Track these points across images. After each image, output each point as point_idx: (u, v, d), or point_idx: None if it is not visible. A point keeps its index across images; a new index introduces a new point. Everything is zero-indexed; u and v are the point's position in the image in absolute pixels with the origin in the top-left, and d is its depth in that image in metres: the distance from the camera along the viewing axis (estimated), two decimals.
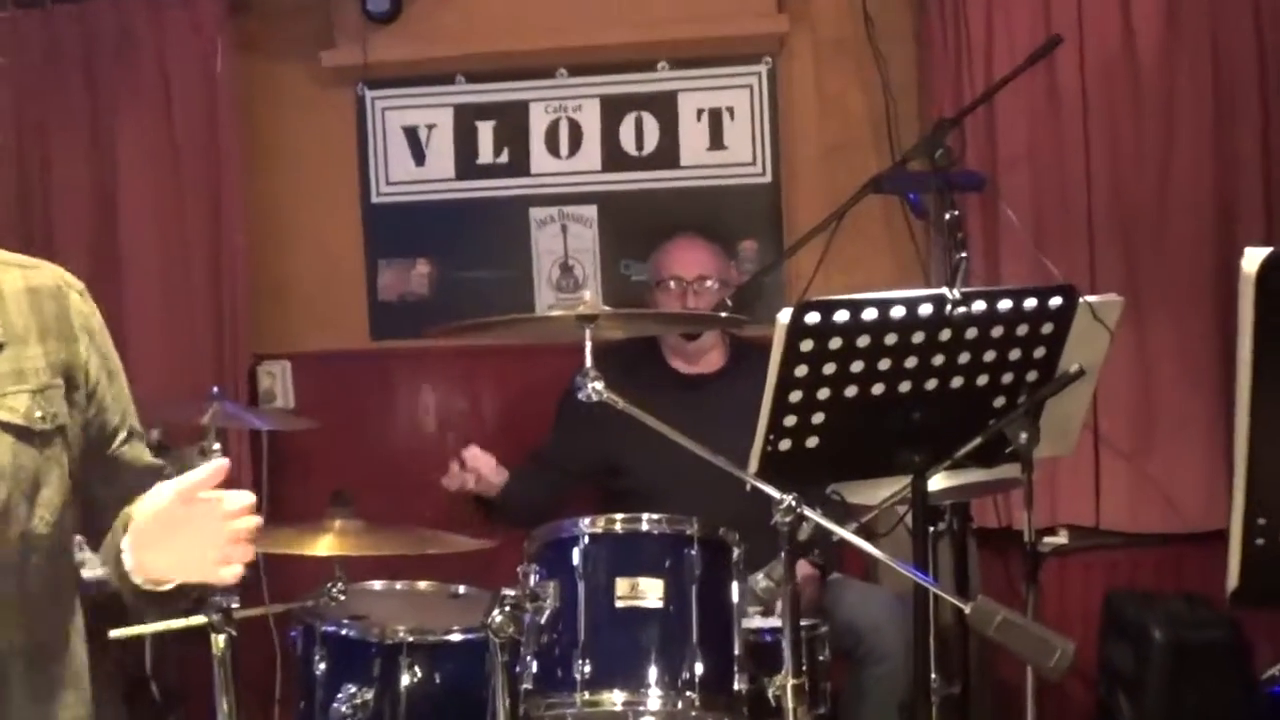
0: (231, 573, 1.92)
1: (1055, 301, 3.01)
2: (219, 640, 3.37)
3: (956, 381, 3.01)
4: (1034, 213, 4.51)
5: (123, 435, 2.19)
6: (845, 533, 2.71)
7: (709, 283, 4.26)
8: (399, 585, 3.86)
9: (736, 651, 3.14)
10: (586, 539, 3.21)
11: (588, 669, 3.08)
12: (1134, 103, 4.50)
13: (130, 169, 4.94)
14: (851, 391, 2.94)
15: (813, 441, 2.99)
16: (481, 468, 4.02)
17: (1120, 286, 4.14)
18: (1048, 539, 4.54)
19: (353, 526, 3.68)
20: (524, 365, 4.80)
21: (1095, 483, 4.53)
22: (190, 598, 2.11)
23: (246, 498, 1.93)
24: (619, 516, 3.28)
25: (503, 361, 4.92)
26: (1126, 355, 4.41)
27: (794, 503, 2.68)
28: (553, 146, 4.98)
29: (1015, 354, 3.02)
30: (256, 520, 1.95)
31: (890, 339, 2.90)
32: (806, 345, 2.86)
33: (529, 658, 3.15)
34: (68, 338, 2.13)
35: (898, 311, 2.87)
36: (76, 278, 2.24)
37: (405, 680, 3.46)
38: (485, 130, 5.02)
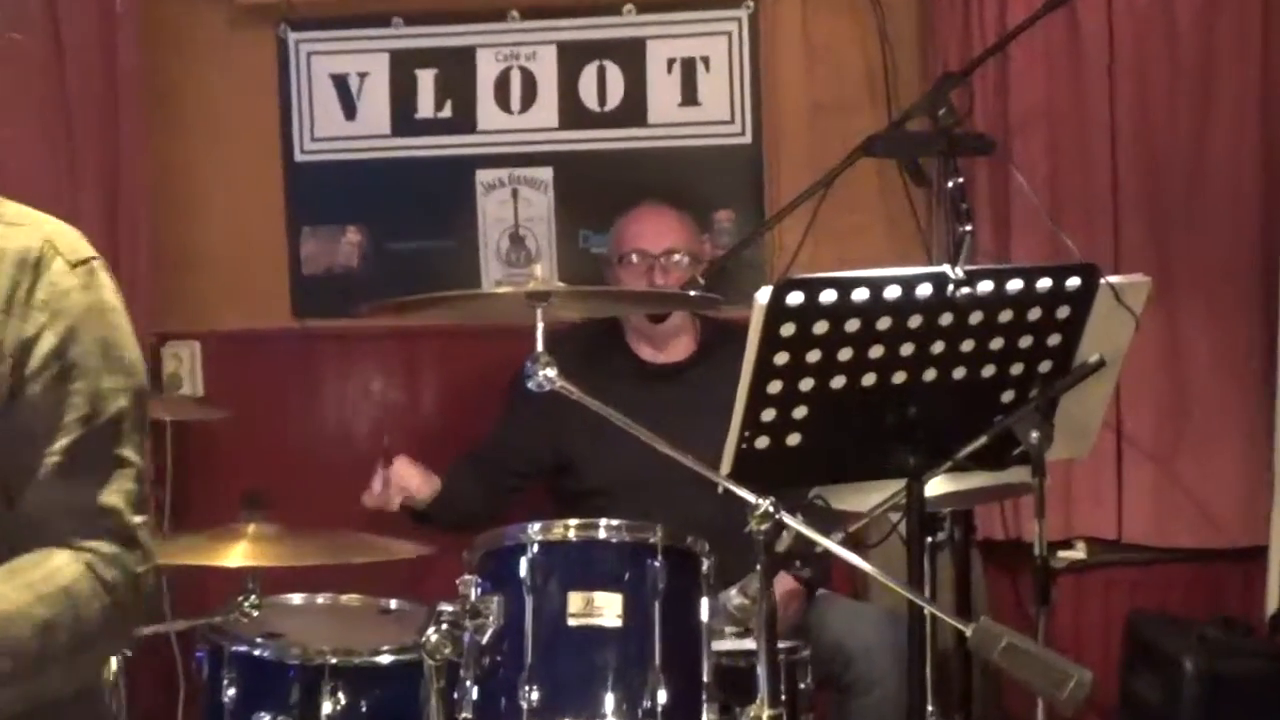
0: None
1: (1073, 282, 3.02)
2: (111, 661, 3.36)
3: (959, 373, 3.03)
4: (1050, 181, 4.52)
5: (54, 446, 1.97)
6: (830, 543, 2.73)
7: (678, 257, 4.26)
8: (321, 599, 3.86)
9: (705, 677, 3.15)
10: (535, 548, 3.21)
11: (535, 696, 3.09)
12: (1168, 57, 4.50)
13: (12, 123, 4.87)
14: (839, 383, 2.95)
15: (794, 439, 3.00)
16: (410, 484, 4.03)
17: (1148, 266, 4.16)
18: (1062, 553, 4.55)
19: (268, 532, 3.67)
20: (467, 349, 4.81)
21: (1117, 490, 4.55)
22: None
23: None
24: (573, 522, 3.29)
25: (443, 344, 4.93)
26: (1154, 344, 4.42)
27: (772, 508, 2.70)
28: (503, 100, 4.97)
29: (1026, 342, 3.04)
30: None
31: (884, 323, 2.91)
32: (788, 329, 2.87)
33: (469, 683, 3.15)
34: (22, 311, 1.98)
35: (892, 292, 2.88)
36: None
37: (327, 708, 3.45)
38: (425, 80, 5.00)
